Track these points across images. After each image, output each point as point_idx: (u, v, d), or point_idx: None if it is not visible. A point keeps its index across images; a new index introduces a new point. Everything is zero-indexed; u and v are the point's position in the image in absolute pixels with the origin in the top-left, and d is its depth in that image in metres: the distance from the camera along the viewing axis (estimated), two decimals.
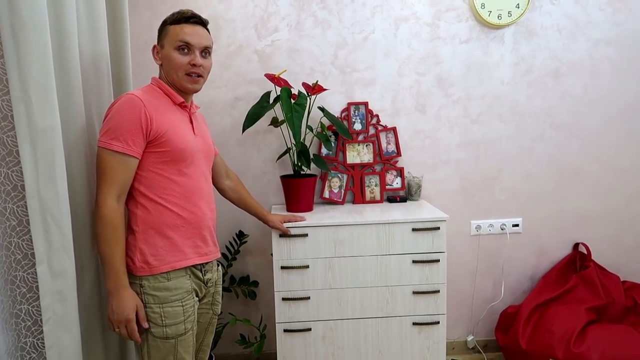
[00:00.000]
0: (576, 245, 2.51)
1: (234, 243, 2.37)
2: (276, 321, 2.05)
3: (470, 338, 2.53)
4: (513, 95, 2.42)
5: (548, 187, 2.48)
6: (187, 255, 1.46)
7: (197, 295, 1.52)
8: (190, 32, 1.46)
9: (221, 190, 1.89)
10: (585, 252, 2.44)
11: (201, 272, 1.52)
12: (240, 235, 2.35)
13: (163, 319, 1.39)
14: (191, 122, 1.53)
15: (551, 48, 2.40)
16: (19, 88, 1.12)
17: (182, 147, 1.43)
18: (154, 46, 1.52)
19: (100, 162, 1.33)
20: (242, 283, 2.36)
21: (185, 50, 1.46)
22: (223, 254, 2.35)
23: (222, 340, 2.42)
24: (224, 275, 2.32)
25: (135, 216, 1.40)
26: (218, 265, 1.68)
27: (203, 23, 1.52)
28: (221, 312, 2.27)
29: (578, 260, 2.44)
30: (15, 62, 1.11)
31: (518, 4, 2.31)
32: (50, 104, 1.17)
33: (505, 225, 2.48)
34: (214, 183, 1.79)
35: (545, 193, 2.49)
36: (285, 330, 2.05)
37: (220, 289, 1.68)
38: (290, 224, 2.00)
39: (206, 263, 1.55)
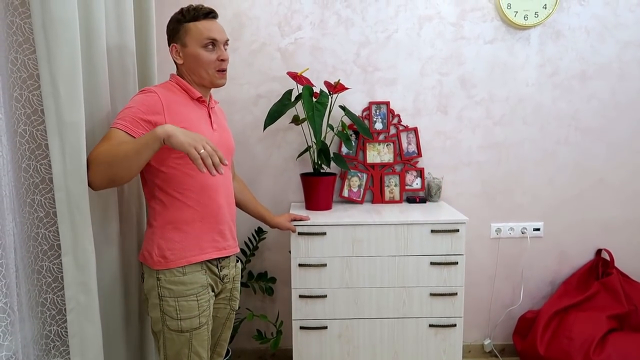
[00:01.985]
0: (599, 252, 2.46)
1: (252, 239, 2.39)
2: (293, 318, 2.06)
3: (487, 342, 2.50)
4: (538, 98, 2.38)
5: (571, 192, 2.44)
6: (204, 250, 1.47)
7: (212, 290, 1.53)
8: (214, 29, 1.48)
9: None
10: (608, 258, 2.39)
11: (217, 267, 1.53)
12: (259, 231, 2.37)
13: (178, 312, 1.41)
14: (210, 116, 1.54)
15: (578, 50, 2.35)
16: (49, 83, 1.15)
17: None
18: (173, 46, 1.50)
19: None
20: (260, 279, 2.38)
21: (211, 47, 1.48)
22: (242, 250, 2.37)
23: (239, 335, 2.45)
24: (242, 270, 2.35)
25: (154, 211, 1.43)
26: (237, 261, 1.69)
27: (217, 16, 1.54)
28: (239, 307, 2.30)
29: (600, 267, 2.40)
30: (45, 57, 1.14)
31: (545, 5, 2.28)
32: (78, 99, 1.20)
33: (526, 229, 2.44)
34: None
35: (569, 198, 2.45)
36: (301, 328, 2.07)
37: (239, 285, 1.69)
38: (306, 223, 2.01)
39: (223, 258, 1.56)
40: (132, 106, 1.35)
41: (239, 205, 1.86)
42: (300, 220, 1.99)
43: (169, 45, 1.52)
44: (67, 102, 1.17)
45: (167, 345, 1.44)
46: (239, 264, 1.71)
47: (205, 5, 1.55)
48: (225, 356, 2.24)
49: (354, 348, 2.08)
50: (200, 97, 1.51)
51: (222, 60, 1.50)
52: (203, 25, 1.47)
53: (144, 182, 1.48)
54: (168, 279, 1.41)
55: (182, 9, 1.50)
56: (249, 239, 2.38)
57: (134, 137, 1.29)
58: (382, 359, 2.09)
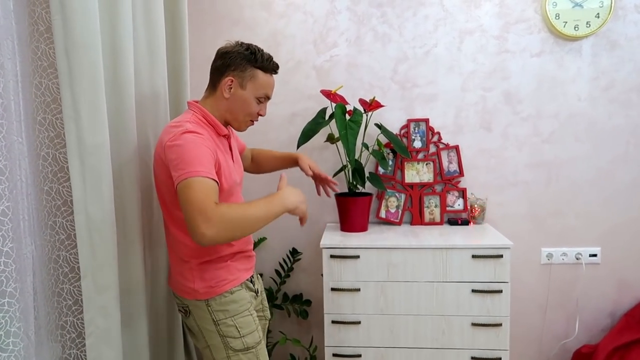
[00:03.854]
0: None
1: (287, 260, 2.34)
2: (325, 345, 1.98)
3: None
4: (591, 113, 2.21)
5: (631, 214, 2.23)
6: (242, 274, 1.49)
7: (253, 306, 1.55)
8: (272, 85, 1.48)
9: (249, 171, 1.91)
10: None
11: (252, 282, 1.55)
12: (294, 252, 2.32)
13: (239, 329, 1.41)
14: (230, 149, 1.51)
15: (637, 61, 2.17)
16: (70, 107, 1.16)
17: (230, 185, 1.41)
18: (230, 79, 1.40)
19: (186, 193, 1.19)
20: (295, 301, 2.32)
21: (262, 100, 1.47)
22: (276, 271, 2.33)
23: (272, 359, 2.39)
24: (277, 292, 2.30)
25: (189, 248, 1.37)
26: (259, 275, 1.74)
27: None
28: (270, 331, 2.25)
29: None
30: (67, 81, 1.15)
31: (598, 14, 2.12)
32: (100, 122, 1.20)
33: (581, 254, 2.25)
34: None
35: (628, 220, 2.24)
36: (334, 355, 1.98)
37: (265, 295, 1.70)
38: (338, 245, 1.93)
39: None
40: (199, 150, 1.25)
41: (261, 168, 1.92)
42: (325, 181, 1.90)
43: (223, 74, 1.41)
44: (88, 125, 1.18)
45: None
46: (260, 277, 1.72)
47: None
48: None
49: None
50: (226, 134, 1.47)
51: (261, 115, 1.50)
52: (268, 79, 1.45)
53: (171, 216, 1.38)
54: (219, 301, 1.40)
55: (254, 49, 1.44)
56: (284, 259, 2.34)
57: (216, 182, 1.26)
58: None
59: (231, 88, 1.41)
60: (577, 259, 2.26)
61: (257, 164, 1.91)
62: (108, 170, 1.23)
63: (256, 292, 1.56)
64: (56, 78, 1.19)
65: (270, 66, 1.44)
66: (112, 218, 1.24)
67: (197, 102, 1.46)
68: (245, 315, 1.43)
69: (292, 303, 2.31)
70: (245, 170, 1.78)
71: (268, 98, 1.48)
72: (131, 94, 1.42)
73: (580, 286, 2.27)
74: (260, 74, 1.42)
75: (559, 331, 2.31)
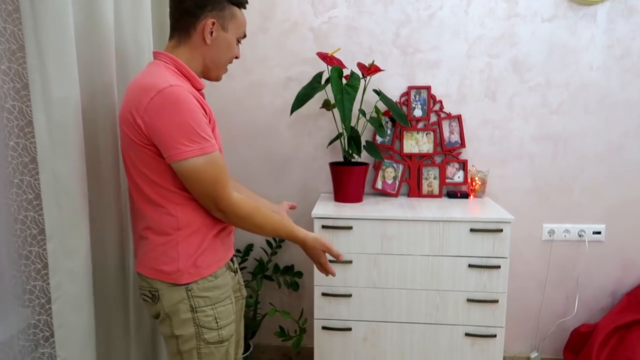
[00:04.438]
0: None
1: None
2: (315, 317, 1.92)
3: (534, 355, 2.25)
4: (604, 83, 2.09)
5: (639, 191, 2.14)
6: (226, 253, 1.34)
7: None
8: (245, 22, 1.30)
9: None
10: None
11: (232, 261, 1.41)
12: None
13: (218, 320, 1.24)
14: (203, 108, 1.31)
15: None
16: (35, 55, 1.06)
17: (220, 146, 1.24)
18: (213, 21, 1.21)
19: (200, 172, 1.12)
20: (286, 273, 2.26)
21: (239, 41, 1.31)
22: (267, 241, 2.26)
23: (261, 330, 2.34)
24: (268, 262, 2.23)
25: (176, 219, 1.19)
26: None
27: None
28: (258, 302, 2.19)
29: None
30: (31, 27, 1.05)
31: None
32: (68, 74, 1.11)
33: (584, 231, 2.16)
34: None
35: (636, 198, 2.14)
36: (324, 328, 1.92)
37: (240, 272, 1.52)
38: (331, 215, 1.85)
39: None
40: (194, 114, 1.12)
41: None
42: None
43: (198, 17, 1.19)
44: (55, 76, 1.08)
45: None
46: None
47: None
48: (246, 351, 2.14)
49: (380, 353, 1.92)
50: (202, 88, 1.28)
51: (237, 58, 1.32)
52: (243, 15, 1.29)
53: (145, 186, 1.18)
54: (202, 286, 1.21)
55: None
56: None
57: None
58: None
59: (211, 32, 1.21)
60: (579, 236, 2.17)
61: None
62: (77, 127, 1.14)
63: (235, 270, 1.41)
64: (22, 24, 1.09)
65: (243, 0, 1.28)
66: (81, 177, 1.15)
67: (165, 53, 1.22)
68: (226, 303, 1.26)
69: (283, 274, 2.25)
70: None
71: (245, 37, 1.32)
72: (110, 47, 1.32)
73: (581, 264, 2.19)
74: (237, 11, 1.26)
75: (558, 309, 2.24)
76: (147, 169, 1.15)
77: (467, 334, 1.87)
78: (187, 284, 1.20)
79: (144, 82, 1.12)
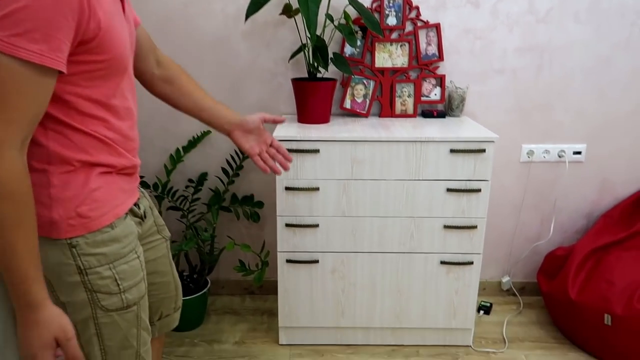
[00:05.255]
0: None
1: (235, 157, 2.03)
2: (278, 250, 1.75)
3: (505, 279, 2.19)
4: None
5: (624, 108, 1.99)
6: (128, 196, 1.01)
7: (139, 238, 1.08)
8: None
9: (148, 83, 1.19)
10: None
11: (137, 206, 1.06)
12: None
13: (120, 282, 0.96)
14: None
15: None
16: None
17: (121, 53, 0.90)
18: None
19: None
20: (245, 203, 2.05)
21: None
22: (223, 169, 2.02)
23: (220, 265, 2.16)
24: (224, 192, 2.01)
25: (45, 149, 0.87)
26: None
27: None
28: (215, 236, 1.99)
29: None
30: None
31: None
32: None
33: (564, 152, 2.03)
34: (135, 70, 1.13)
35: (620, 116, 2.00)
36: (288, 261, 1.75)
37: (155, 209, 1.20)
38: (295, 137, 1.63)
39: None
40: (40, 4, 0.74)
41: (169, 99, 1.21)
42: (274, 122, 1.27)
43: None
44: None
45: (106, 334, 0.98)
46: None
47: None
48: (203, 288, 1.97)
49: (350, 285, 1.78)
50: None
51: None
52: None
53: None
54: (92, 240, 0.92)
55: None
56: (231, 156, 2.02)
57: (57, 69, 0.78)
58: (382, 298, 1.79)
59: None
60: (559, 156, 2.04)
61: (169, 86, 1.20)
62: None
63: (142, 216, 1.08)
64: None
65: None
66: None
67: None
68: (131, 259, 0.98)
69: (242, 205, 2.04)
70: (138, 75, 1.16)
71: None
72: None
73: (560, 186, 2.08)
74: None
75: (532, 233, 2.15)
76: None
77: (442, 262, 1.74)
78: (70, 238, 0.90)
79: None
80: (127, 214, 1.00)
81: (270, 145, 1.27)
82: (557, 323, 1.97)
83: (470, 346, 1.86)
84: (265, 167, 1.25)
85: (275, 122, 1.28)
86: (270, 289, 2.21)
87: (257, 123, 1.24)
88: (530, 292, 2.22)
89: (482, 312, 2.07)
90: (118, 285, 0.95)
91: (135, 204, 1.05)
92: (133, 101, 1.01)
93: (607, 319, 1.70)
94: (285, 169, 1.28)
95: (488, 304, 2.10)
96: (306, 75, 1.88)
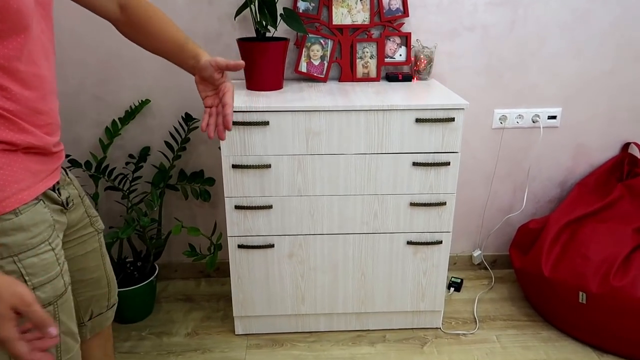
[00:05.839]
0: (626, 146, 1.94)
1: (180, 128, 1.81)
2: (228, 234, 1.57)
3: (477, 253, 2.07)
4: None
5: (602, 67, 1.84)
6: (37, 177, 0.85)
7: (62, 228, 0.92)
8: None
9: (118, 29, 1.03)
10: (638, 155, 1.89)
11: (56, 191, 0.91)
12: (188, 118, 1.78)
13: (27, 278, 0.82)
14: None
15: None
16: None
17: (13, 5, 0.73)
18: None
19: None
20: (194, 180, 1.85)
21: None
22: (166, 143, 1.80)
23: (172, 247, 1.98)
24: (170, 169, 1.80)
25: None
26: (66, 171, 1.00)
27: None
28: (159, 219, 1.79)
29: (626, 165, 1.89)
30: None
31: None
32: None
33: (539, 116, 1.88)
34: (98, 14, 0.99)
35: (598, 76, 1.86)
36: (240, 247, 1.58)
37: (87, 198, 1.05)
38: (241, 107, 1.42)
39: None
40: None
41: (131, 34, 1.02)
42: (227, 68, 0.96)
43: None
44: None
45: None
46: (69, 173, 1.01)
47: None
48: (150, 275, 1.79)
49: (310, 270, 1.63)
50: None
51: None
52: None
53: None
54: None
55: None
56: (175, 128, 1.80)
57: None
58: (345, 283, 1.64)
59: None
60: (533, 122, 1.89)
61: (135, 24, 1.01)
62: None
63: (64, 203, 0.92)
64: None
65: None
66: None
67: None
68: (41, 251, 0.84)
69: (190, 182, 1.84)
70: (102, 14, 0.99)
71: None
72: None
73: (533, 153, 1.94)
74: None
75: (504, 204, 2.03)
76: None
77: (409, 242, 1.60)
78: None
79: None
80: (39, 199, 0.83)
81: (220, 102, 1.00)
82: (529, 299, 1.88)
83: (440, 328, 1.75)
84: (204, 127, 0.99)
85: (230, 69, 0.97)
86: (227, 271, 2.04)
87: (208, 70, 0.98)
88: (502, 265, 2.11)
89: (452, 289, 1.95)
90: (25, 281, 0.81)
91: (54, 189, 0.88)
92: (48, 68, 0.83)
93: (582, 297, 1.60)
94: (220, 137, 1.06)
95: (459, 280, 1.99)
96: (253, 35, 1.65)
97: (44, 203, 0.85)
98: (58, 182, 0.90)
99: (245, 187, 1.51)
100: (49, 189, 0.86)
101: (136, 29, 1.01)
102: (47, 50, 0.84)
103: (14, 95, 0.77)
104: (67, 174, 0.98)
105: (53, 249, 0.85)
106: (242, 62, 0.96)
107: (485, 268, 2.10)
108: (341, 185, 1.52)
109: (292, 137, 1.46)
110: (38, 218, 0.82)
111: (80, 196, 1.00)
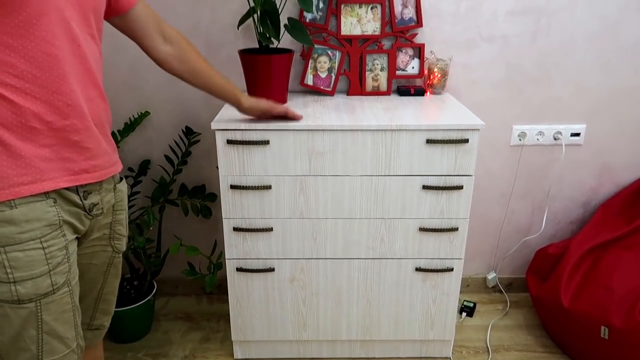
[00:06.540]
0: None
1: (180, 142, 1.74)
2: (227, 257, 1.49)
3: (491, 276, 1.96)
4: None
5: (630, 82, 1.72)
6: (46, 174, 0.85)
7: (75, 231, 0.93)
8: None
9: (159, 61, 1.17)
10: None
11: (78, 194, 0.92)
12: (188, 132, 1.71)
13: (9, 271, 0.84)
14: None
15: None
16: None
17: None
18: None
19: None
20: (195, 196, 1.78)
21: None
22: (166, 157, 1.74)
23: (172, 263, 1.90)
24: (171, 183, 1.73)
25: None
26: (121, 180, 1.05)
27: None
28: (151, 240, 1.72)
29: None
30: None
31: None
32: None
33: (561, 133, 1.76)
34: (143, 48, 1.14)
35: (625, 91, 1.73)
36: (239, 270, 1.50)
37: (124, 216, 1.06)
38: (239, 127, 1.34)
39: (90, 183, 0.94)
40: None
41: (183, 77, 1.20)
42: (293, 118, 1.36)
43: None
44: None
45: None
46: (124, 183, 1.06)
47: None
48: (148, 294, 1.72)
49: (312, 295, 1.54)
50: None
51: None
52: None
53: None
54: None
55: None
56: (175, 141, 1.73)
57: None
58: (349, 309, 1.56)
59: None
60: (555, 139, 1.77)
61: (185, 68, 1.19)
62: None
63: (88, 209, 0.94)
64: None
65: None
66: None
67: None
68: (29, 247, 0.85)
69: (191, 198, 1.77)
70: (150, 54, 1.15)
71: None
72: None
73: (554, 172, 1.82)
74: None
75: (522, 225, 1.91)
76: None
77: (418, 269, 1.50)
78: None
79: None
80: (49, 197, 0.86)
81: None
82: (546, 328, 1.76)
83: (449, 358, 1.65)
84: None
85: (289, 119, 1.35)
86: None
87: (268, 115, 1.35)
88: (518, 288, 2.00)
89: (464, 314, 1.85)
90: (7, 272, 0.84)
91: (77, 191, 0.91)
92: (78, 53, 0.87)
93: (604, 332, 1.48)
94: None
95: (471, 305, 1.88)
96: (256, 46, 1.57)
97: (54, 202, 0.86)
98: (85, 185, 0.91)
99: (245, 208, 1.43)
100: (67, 189, 0.88)
101: (181, 61, 1.17)
102: (72, 32, 0.85)
103: (21, 72, 0.79)
104: (118, 181, 1.03)
105: (44, 248, 0.86)
106: (300, 115, 1.31)
107: (500, 291, 1.99)
108: (346, 208, 1.43)
109: (294, 157, 1.37)
110: (33, 215, 0.84)
111: (114, 208, 1.02)
